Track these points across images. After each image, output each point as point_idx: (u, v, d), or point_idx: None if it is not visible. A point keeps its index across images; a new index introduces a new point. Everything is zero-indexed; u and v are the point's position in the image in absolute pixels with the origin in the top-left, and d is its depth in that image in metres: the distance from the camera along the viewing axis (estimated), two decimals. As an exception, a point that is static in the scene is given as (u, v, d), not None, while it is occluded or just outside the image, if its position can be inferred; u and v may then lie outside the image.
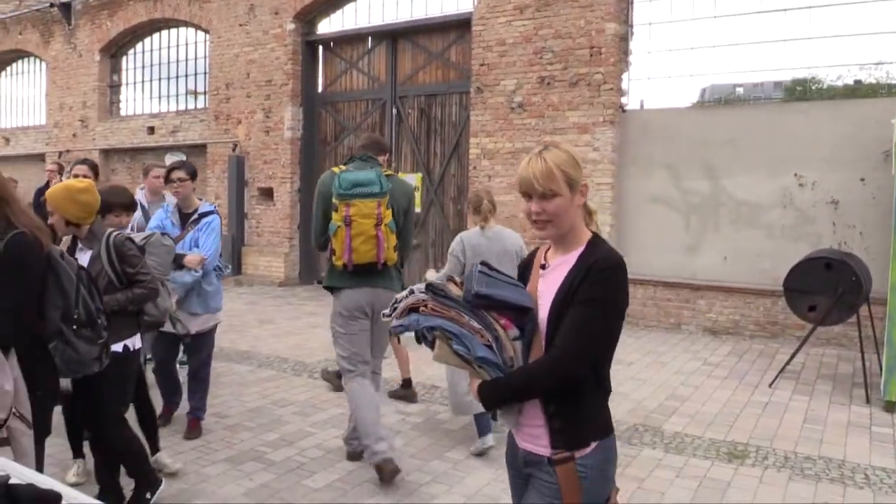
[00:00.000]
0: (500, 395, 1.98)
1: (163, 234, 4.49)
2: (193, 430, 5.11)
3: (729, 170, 9.28)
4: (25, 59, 18.80)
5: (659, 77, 10.11)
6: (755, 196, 9.14)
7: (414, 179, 11.58)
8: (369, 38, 12.67)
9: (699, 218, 9.54)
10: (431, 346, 1.97)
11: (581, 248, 2.04)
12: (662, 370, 7.22)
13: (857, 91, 11.44)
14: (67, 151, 16.22)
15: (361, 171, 4.28)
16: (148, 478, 3.86)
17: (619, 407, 5.92)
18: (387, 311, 2.04)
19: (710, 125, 9.46)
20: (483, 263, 2.06)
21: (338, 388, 6.07)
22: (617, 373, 6.92)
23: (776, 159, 8.97)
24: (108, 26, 16.00)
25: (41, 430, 2.96)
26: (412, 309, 1.98)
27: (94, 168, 4.95)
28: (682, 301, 9.38)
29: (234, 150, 13.79)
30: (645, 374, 7.02)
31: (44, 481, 2.19)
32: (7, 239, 2.73)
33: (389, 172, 4.42)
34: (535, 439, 2.03)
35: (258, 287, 12.97)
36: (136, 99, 16.35)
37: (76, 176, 4.73)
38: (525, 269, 2.25)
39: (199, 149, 14.39)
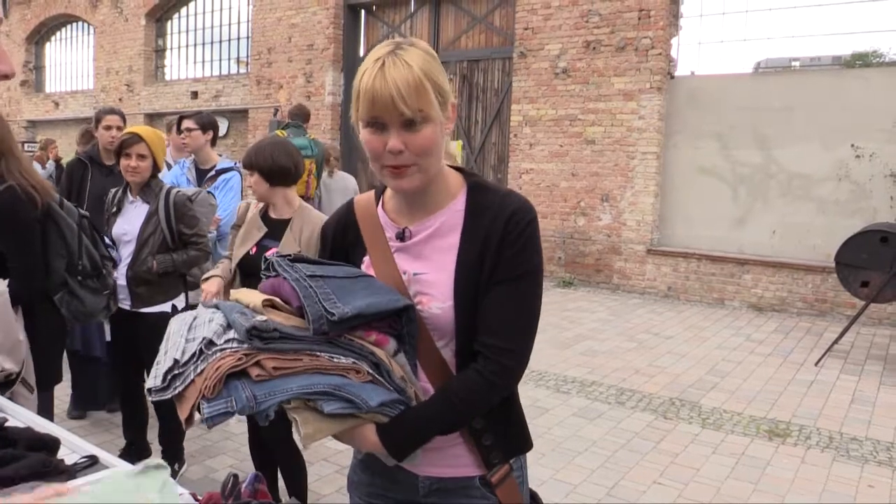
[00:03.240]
0: (422, 434, 1.36)
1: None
2: None
3: (781, 140, 8.88)
4: (74, 25, 19.00)
5: (710, 42, 9.71)
6: (808, 168, 8.74)
7: (454, 146, 11.38)
8: (412, 2, 12.43)
9: (748, 190, 9.17)
10: (282, 420, 1.25)
11: (460, 199, 1.43)
12: (703, 345, 6.97)
13: (923, 60, 10.84)
14: (113, 115, 16.40)
15: (297, 137, 5.63)
16: (177, 449, 3.79)
17: (655, 380, 5.72)
18: (156, 384, 1.27)
19: (764, 93, 9.04)
20: (295, 258, 1.40)
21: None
22: (655, 346, 6.76)
23: (832, 129, 8.54)
24: (154, -10, 16.05)
25: (49, 378, 2.91)
26: (230, 375, 1.21)
27: (124, 118, 4.78)
28: (726, 276, 9.07)
29: (275, 114, 13.74)
30: (684, 349, 6.78)
31: (43, 425, 2.12)
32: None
33: (313, 136, 5.99)
34: (452, 460, 1.47)
35: (297, 253, 12.98)
36: (180, 64, 16.41)
37: (108, 127, 4.57)
38: (341, 237, 1.54)
39: (241, 114, 14.40)
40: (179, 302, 3.69)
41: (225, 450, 4.18)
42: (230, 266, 3.05)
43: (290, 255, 1.41)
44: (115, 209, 3.63)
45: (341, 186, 6.44)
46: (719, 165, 9.33)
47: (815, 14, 8.90)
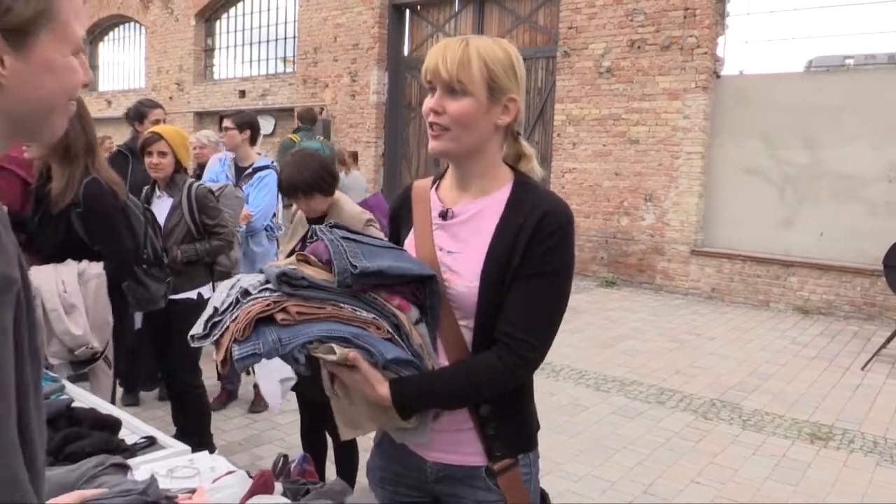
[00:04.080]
0: (430, 397, 1.44)
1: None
2: (260, 402, 4.70)
3: (830, 140, 8.71)
4: (126, 25, 19.50)
5: (758, 41, 9.58)
6: (858, 168, 8.56)
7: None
8: (456, 1, 12.50)
9: (795, 191, 9.02)
10: (308, 366, 1.33)
11: (504, 190, 1.52)
12: (746, 347, 6.90)
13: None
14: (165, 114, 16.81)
15: (309, 140, 6.47)
16: (206, 435, 3.89)
17: (696, 381, 5.70)
18: (198, 331, 1.36)
19: (813, 92, 8.88)
20: (335, 225, 1.49)
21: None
22: (697, 346, 6.72)
23: (884, 129, 8.35)
24: (204, -9, 16.41)
25: (116, 363, 3.07)
26: (259, 320, 1.30)
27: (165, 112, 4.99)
28: (771, 278, 8.94)
29: (320, 113, 13.95)
30: (727, 350, 6.73)
31: (106, 407, 2.26)
32: (85, 183, 2.86)
33: (321, 137, 6.36)
34: (458, 447, 1.53)
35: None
36: (229, 63, 16.75)
37: (156, 121, 4.75)
38: (398, 214, 1.69)
39: (288, 112, 14.64)
40: (206, 290, 3.83)
41: (271, 439, 4.30)
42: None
43: (332, 223, 1.51)
44: (145, 204, 3.81)
45: (355, 184, 7.21)
46: (765, 166, 9.20)
47: (870, 10, 8.70)
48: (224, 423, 4.49)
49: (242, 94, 15.79)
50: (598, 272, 10.28)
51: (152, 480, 1.31)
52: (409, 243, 1.57)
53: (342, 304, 1.35)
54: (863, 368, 6.21)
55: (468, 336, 1.48)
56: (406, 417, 1.43)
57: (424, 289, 1.44)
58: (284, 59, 15.64)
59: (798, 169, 8.97)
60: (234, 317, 1.31)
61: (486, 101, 1.44)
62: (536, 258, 1.43)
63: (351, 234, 1.45)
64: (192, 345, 1.38)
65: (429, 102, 1.46)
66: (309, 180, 2.88)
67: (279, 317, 1.30)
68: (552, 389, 5.29)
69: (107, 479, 1.40)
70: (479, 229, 1.49)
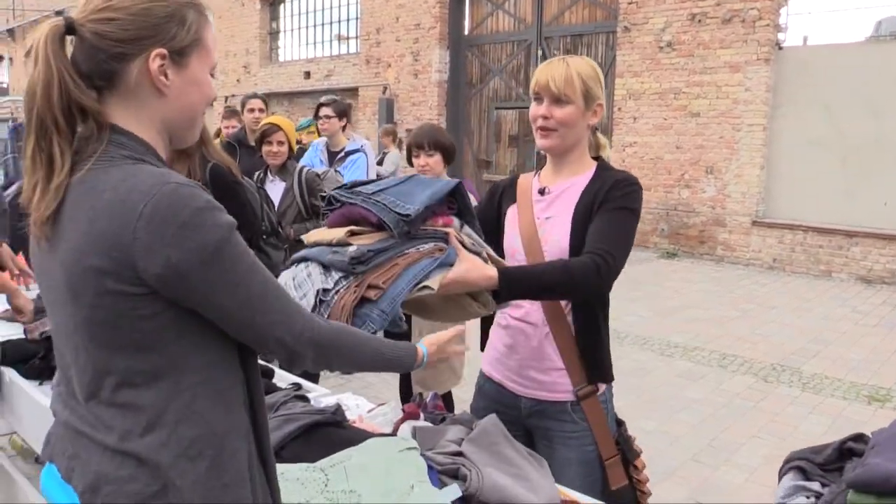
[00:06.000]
0: (535, 281, 1.72)
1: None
2: None
3: (895, 110, 8.71)
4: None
5: (822, 12, 9.57)
6: (923, 138, 8.56)
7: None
8: (516, -21, 12.70)
9: (859, 161, 9.04)
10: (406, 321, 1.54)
11: (589, 173, 1.91)
12: (807, 315, 7.10)
13: None
14: (232, 96, 17.45)
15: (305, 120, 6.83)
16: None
17: (758, 347, 5.96)
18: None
19: (879, 61, 8.86)
20: (346, 186, 1.65)
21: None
22: (758, 315, 6.96)
23: (950, 98, 8.33)
24: (269, -25, 16.92)
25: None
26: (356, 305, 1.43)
27: (265, 102, 5.43)
28: (834, 248, 9.04)
29: (383, 92, 14.37)
30: (788, 319, 6.94)
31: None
32: (208, 168, 3.29)
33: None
34: (548, 385, 1.91)
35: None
36: (293, 45, 17.28)
37: (252, 110, 5.23)
38: (500, 193, 2.07)
39: (352, 92, 15.08)
40: None
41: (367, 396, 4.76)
42: None
43: (344, 185, 1.66)
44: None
45: (388, 161, 9.28)
46: (828, 136, 9.23)
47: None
48: (323, 383, 4.96)
49: (307, 75, 16.30)
50: (658, 244, 10.49)
51: (338, 406, 1.73)
52: (513, 214, 1.98)
53: (406, 251, 1.51)
54: (924, 335, 6.36)
55: None
56: (506, 297, 1.67)
57: (455, 198, 1.66)
58: (339, 36, 16.02)
59: (861, 139, 8.99)
60: (326, 316, 1.39)
61: (582, 106, 1.85)
62: (612, 200, 1.80)
63: (369, 185, 1.60)
64: None
65: (539, 110, 1.86)
66: (441, 140, 3.24)
67: (372, 294, 1.44)
68: (618, 354, 5.56)
69: (293, 405, 1.83)
70: (568, 200, 1.88)
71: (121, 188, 1.05)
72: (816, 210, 9.31)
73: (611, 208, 1.79)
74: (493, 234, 1.99)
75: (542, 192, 1.95)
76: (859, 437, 1.45)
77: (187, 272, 1.04)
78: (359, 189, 1.59)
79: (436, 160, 3.30)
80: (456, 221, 1.66)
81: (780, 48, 9.52)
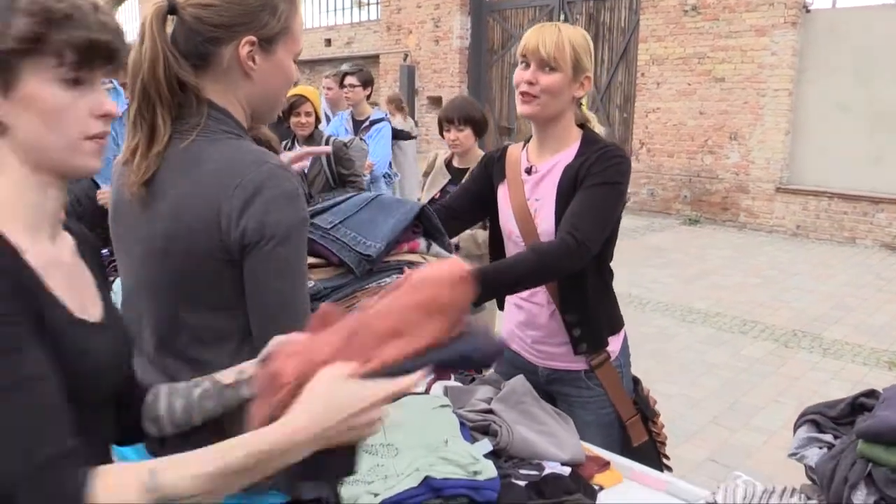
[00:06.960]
0: (508, 276, 1.73)
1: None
2: None
3: (924, 74, 8.57)
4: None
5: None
6: (953, 102, 8.42)
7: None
8: (538, -57, 12.54)
9: (887, 127, 8.91)
10: None
11: (574, 147, 1.89)
12: (829, 282, 7.11)
13: None
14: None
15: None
16: None
17: (778, 313, 6.00)
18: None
19: (907, 25, 8.71)
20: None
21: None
22: (781, 281, 6.98)
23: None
24: (289, -59, 16.80)
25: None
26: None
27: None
28: (859, 214, 8.97)
29: (404, 59, 14.33)
30: (810, 285, 6.96)
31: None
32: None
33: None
34: (562, 357, 1.99)
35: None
36: (314, 12, 17.22)
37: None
38: (492, 166, 2.06)
39: (373, 59, 15.05)
40: None
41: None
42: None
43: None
44: None
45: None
46: (856, 101, 9.10)
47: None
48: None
49: (328, 42, 16.28)
50: (681, 210, 10.47)
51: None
52: (504, 194, 1.99)
53: (366, 286, 1.50)
54: (948, 302, 6.36)
55: None
56: (484, 297, 1.56)
57: (420, 221, 1.62)
58: (360, 3, 15.95)
59: (890, 105, 8.85)
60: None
61: (570, 76, 1.81)
62: (593, 175, 1.79)
63: (327, 214, 1.56)
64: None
65: (523, 75, 1.82)
66: (472, 114, 3.25)
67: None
68: (640, 321, 5.69)
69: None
70: (552, 182, 1.88)
71: (224, 161, 1.17)
72: (841, 176, 9.22)
73: (589, 185, 1.78)
74: (489, 206, 2.06)
75: (528, 171, 1.95)
76: (871, 393, 1.52)
77: (256, 242, 1.14)
78: (316, 221, 1.54)
79: (466, 135, 3.33)
80: (423, 243, 1.63)
81: (808, 11, 9.36)
